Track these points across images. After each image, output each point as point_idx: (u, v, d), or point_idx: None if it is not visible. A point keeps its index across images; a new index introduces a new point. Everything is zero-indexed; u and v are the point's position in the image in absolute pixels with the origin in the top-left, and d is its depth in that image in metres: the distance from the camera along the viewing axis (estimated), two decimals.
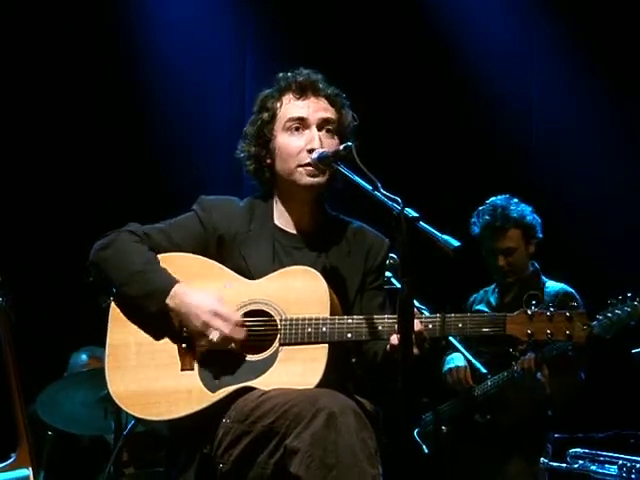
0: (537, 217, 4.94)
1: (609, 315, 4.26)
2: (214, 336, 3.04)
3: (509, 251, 4.89)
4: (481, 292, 5.10)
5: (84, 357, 5.18)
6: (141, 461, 4.67)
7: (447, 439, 4.75)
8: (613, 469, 4.46)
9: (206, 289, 3.13)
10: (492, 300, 5.01)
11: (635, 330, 4.46)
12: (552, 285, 4.90)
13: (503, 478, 4.70)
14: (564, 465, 4.58)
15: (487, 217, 4.90)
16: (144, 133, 6.07)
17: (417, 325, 2.92)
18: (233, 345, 3.05)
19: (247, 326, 3.10)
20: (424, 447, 4.58)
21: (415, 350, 2.86)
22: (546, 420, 4.77)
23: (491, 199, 4.99)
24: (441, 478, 4.63)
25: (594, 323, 4.26)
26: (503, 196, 4.98)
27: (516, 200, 4.96)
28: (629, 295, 3.81)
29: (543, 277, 4.96)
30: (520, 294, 4.78)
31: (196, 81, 6.17)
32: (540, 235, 4.96)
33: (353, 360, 3.26)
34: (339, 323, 3.05)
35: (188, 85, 6.13)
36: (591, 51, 5.91)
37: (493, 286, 5.08)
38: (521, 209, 4.90)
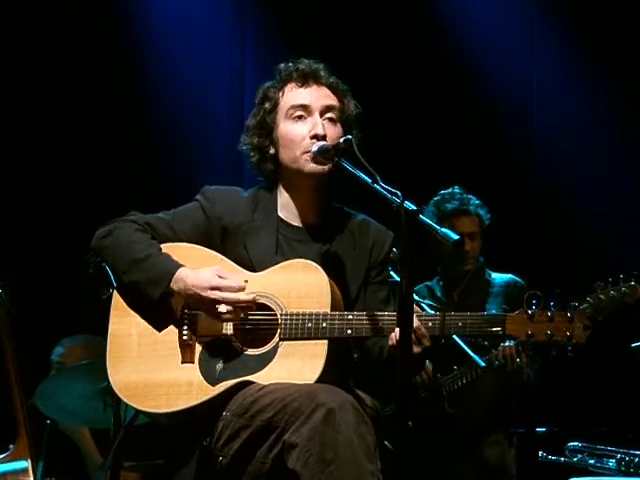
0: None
1: (601, 296, 4.24)
2: (223, 314, 3.03)
3: (473, 235, 4.91)
4: (422, 286, 5.05)
5: (60, 349, 5.17)
6: (141, 453, 4.67)
7: (414, 433, 4.74)
8: (611, 463, 4.47)
9: None
10: (439, 294, 4.98)
11: (634, 324, 4.47)
12: (499, 276, 4.92)
13: (474, 469, 4.71)
14: (562, 459, 4.58)
15: (454, 202, 4.90)
16: (144, 125, 6.05)
17: (416, 323, 2.92)
18: (243, 313, 3.03)
19: (248, 319, 3.09)
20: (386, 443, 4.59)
21: (415, 348, 2.88)
22: (514, 410, 4.79)
23: (443, 191, 4.98)
24: (411, 470, 4.62)
25: (584, 305, 4.26)
26: (455, 187, 4.99)
27: None
28: (622, 276, 3.81)
29: (487, 270, 4.97)
30: (468, 287, 4.82)
31: (196, 71, 6.15)
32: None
33: (355, 355, 3.26)
34: (339, 319, 3.04)
35: (187, 76, 6.11)
36: (591, 48, 5.90)
37: (436, 280, 5.06)
38: (477, 199, 4.92)
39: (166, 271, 3.07)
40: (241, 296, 3.04)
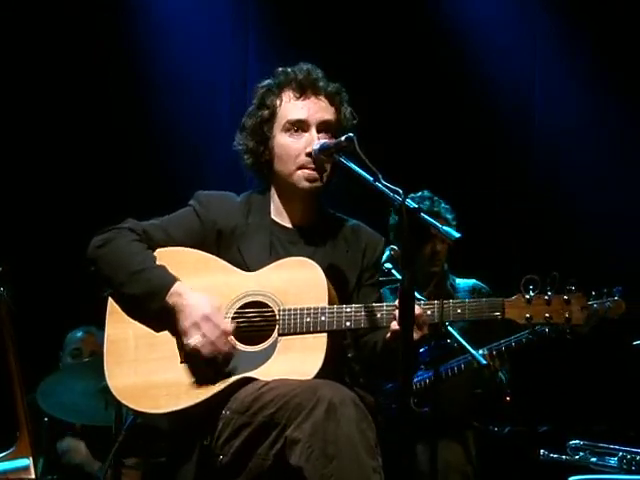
0: None
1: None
2: (195, 340, 3.03)
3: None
4: (384, 289, 5.03)
5: (79, 334, 5.19)
6: (142, 452, 4.67)
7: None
8: (613, 461, 4.46)
9: (202, 284, 3.13)
10: None
11: (636, 322, 4.46)
12: (463, 281, 4.92)
13: (440, 466, 4.69)
14: (564, 457, 4.57)
15: (426, 203, 4.86)
16: (144, 125, 6.05)
17: (417, 309, 2.94)
18: (217, 356, 3.03)
19: (245, 317, 3.11)
20: None
21: (415, 334, 2.89)
22: (481, 412, 4.79)
23: (413, 194, 4.95)
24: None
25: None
26: (425, 191, 4.98)
27: None
28: (605, 290, 3.80)
29: (451, 275, 4.95)
30: (437, 290, 4.81)
31: (197, 71, 6.14)
32: None
33: (349, 355, 3.27)
34: (338, 312, 3.06)
35: (189, 75, 6.11)
36: (592, 48, 5.90)
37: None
38: (445, 203, 4.89)
39: (162, 285, 3.08)
40: (219, 342, 3.02)
